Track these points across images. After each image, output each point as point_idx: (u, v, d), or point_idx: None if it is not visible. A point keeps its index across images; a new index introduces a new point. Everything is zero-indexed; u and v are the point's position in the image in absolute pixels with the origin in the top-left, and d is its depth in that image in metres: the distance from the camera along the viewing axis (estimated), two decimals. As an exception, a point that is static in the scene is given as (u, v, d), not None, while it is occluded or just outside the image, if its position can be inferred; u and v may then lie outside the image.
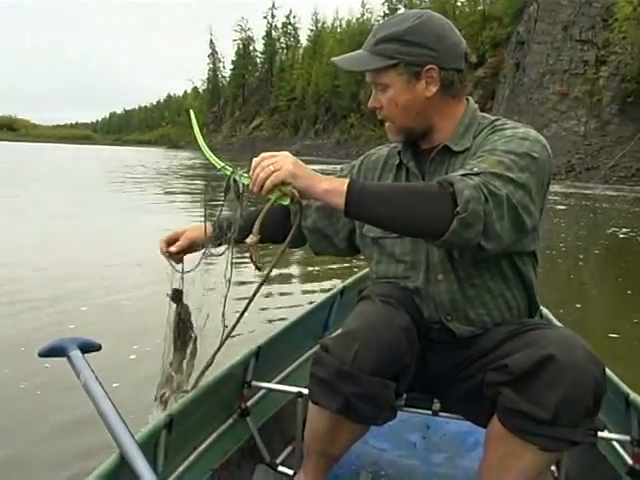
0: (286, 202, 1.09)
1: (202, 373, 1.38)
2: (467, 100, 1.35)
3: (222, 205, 1.22)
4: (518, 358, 1.10)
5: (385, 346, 1.15)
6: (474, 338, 1.29)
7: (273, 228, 1.33)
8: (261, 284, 1.25)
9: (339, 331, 1.25)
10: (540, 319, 2.09)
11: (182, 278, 1.40)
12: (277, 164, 1.10)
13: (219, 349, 1.34)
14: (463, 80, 1.30)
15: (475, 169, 1.10)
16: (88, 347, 1.25)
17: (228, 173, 1.15)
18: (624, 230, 9.65)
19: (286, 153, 1.13)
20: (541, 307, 2.15)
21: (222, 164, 1.17)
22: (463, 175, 1.09)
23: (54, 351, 1.23)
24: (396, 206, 1.09)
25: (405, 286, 1.34)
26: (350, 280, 2.40)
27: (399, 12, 1.37)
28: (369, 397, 1.15)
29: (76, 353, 1.20)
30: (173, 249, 1.43)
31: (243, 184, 1.13)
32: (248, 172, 1.13)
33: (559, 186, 23.35)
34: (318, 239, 1.52)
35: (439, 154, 1.31)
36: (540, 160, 1.17)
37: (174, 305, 1.41)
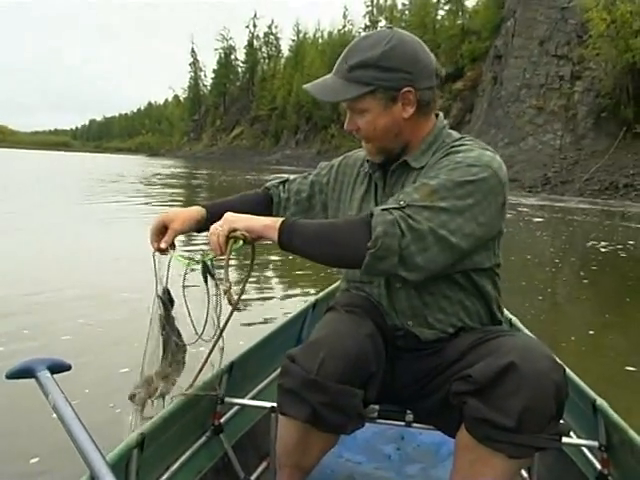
0: (239, 244, 1.24)
1: (191, 386, 1.42)
2: (437, 116, 1.38)
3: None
4: (481, 367, 1.12)
5: (351, 354, 1.17)
6: (440, 344, 1.32)
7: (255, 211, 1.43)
8: (232, 311, 1.31)
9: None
10: (510, 327, 2.13)
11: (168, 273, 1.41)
12: (219, 225, 1.26)
13: (205, 362, 1.38)
14: (436, 96, 1.33)
15: (402, 202, 1.17)
16: (58, 367, 1.22)
17: (198, 262, 1.33)
18: (603, 243, 9.73)
19: (227, 213, 1.28)
20: (510, 316, 2.20)
21: (187, 261, 1.35)
22: (385, 209, 1.16)
23: (22, 372, 1.20)
24: (318, 242, 1.21)
25: (371, 292, 1.38)
26: (322, 294, 2.42)
27: (366, 33, 1.37)
28: (336, 405, 1.16)
29: (45, 374, 1.18)
30: (162, 245, 1.42)
31: (211, 259, 1.30)
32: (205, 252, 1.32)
33: (535, 199, 23.66)
34: None
35: (399, 168, 1.35)
36: (486, 185, 1.20)
37: (158, 305, 1.42)
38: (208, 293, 1.31)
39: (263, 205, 1.59)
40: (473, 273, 1.30)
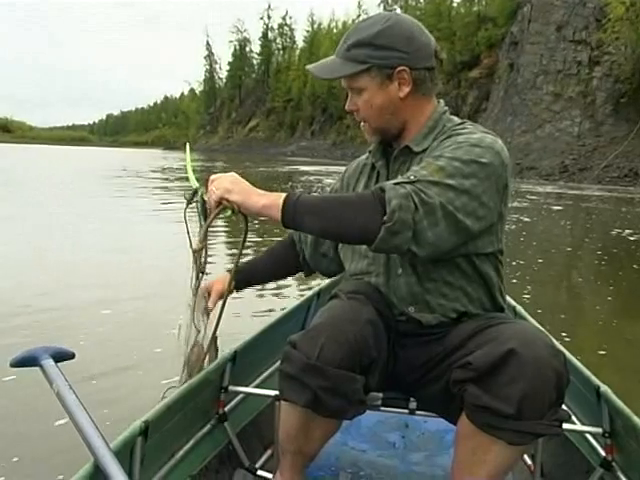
0: (227, 213, 1.24)
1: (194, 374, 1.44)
2: (438, 102, 1.39)
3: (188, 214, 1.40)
4: (481, 354, 1.12)
5: (351, 339, 1.18)
6: (442, 329, 1.32)
7: (284, 264, 1.68)
8: (229, 292, 1.39)
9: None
10: (514, 315, 2.12)
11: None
12: (217, 184, 1.26)
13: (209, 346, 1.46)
14: (434, 78, 1.34)
15: (412, 177, 1.17)
16: (61, 356, 1.24)
17: (198, 192, 1.35)
18: (627, 231, 9.58)
19: (230, 174, 1.27)
20: (514, 304, 2.19)
21: (197, 185, 1.37)
22: (397, 183, 1.15)
23: (26, 361, 1.22)
24: (328, 216, 1.17)
25: (370, 281, 1.39)
26: (327, 282, 2.42)
27: (372, 15, 1.40)
28: (336, 390, 1.16)
29: (48, 362, 1.19)
30: (211, 306, 1.52)
31: (204, 199, 1.31)
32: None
33: (553, 187, 23.36)
34: (318, 258, 1.65)
35: (402, 153, 1.37)
36: (490, 166, 1.21)
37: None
38: (200, 224, 1.35)
39: (289, 248, 1.68)
40: (475, 258, 1.31)
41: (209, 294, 1.53)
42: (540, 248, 7.82)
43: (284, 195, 1.19)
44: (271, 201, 1.20)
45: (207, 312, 1.50)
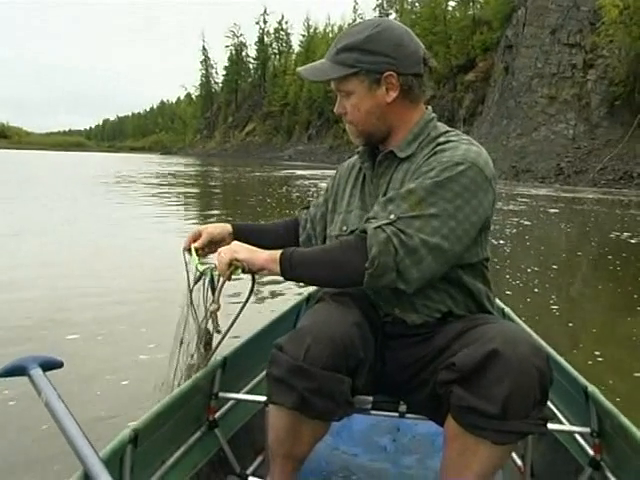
0: (238, 272, 1.35)
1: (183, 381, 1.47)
2: (427, 109, 1.41)
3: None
4: (464, 355, 1.14)
5: (337, 340, 1.19)
6: (427, 329, 1.34)
7: (280, 239, 1.65)
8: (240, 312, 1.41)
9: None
10: (502, 317, 2.13)
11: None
12: (224, 251, 1.35)
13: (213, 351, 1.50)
14: (422, 85, 1.37)
15: (392, 215, 1.21)
16: (50, 365, 1.24)
17: (204, 272, 1.48)
18: (626, 234, 9.55)
19: (234, 242, 1.39)
20: (503, 306, 2.20)
21: (197, 262, 1.52)
22: (377, 227, 1.20)
23: (14, 370, 1.21)
24: (318, 268, 1.28)
25: None
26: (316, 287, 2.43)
27: (362, 20, 1.43)
28: (323, 391, 1.17)
29: (37, 371, 1.19)
30: (197, 244, 1.58)
31: (211, 272, 1.45)
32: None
33: (548, 189, 23.37)
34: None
35: (386, 158, 1.39)
36: (474, 184, 1.23)
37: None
38: (205, 301, 1.44)
39: (292, 231, 1.71)
40: (460, 268, 1.33)
41: (198, 237, 1.60)
42: (550, 253, 7.76)
43: (281, 251, 1.29)
44: (271, 256, 1.30)
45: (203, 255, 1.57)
